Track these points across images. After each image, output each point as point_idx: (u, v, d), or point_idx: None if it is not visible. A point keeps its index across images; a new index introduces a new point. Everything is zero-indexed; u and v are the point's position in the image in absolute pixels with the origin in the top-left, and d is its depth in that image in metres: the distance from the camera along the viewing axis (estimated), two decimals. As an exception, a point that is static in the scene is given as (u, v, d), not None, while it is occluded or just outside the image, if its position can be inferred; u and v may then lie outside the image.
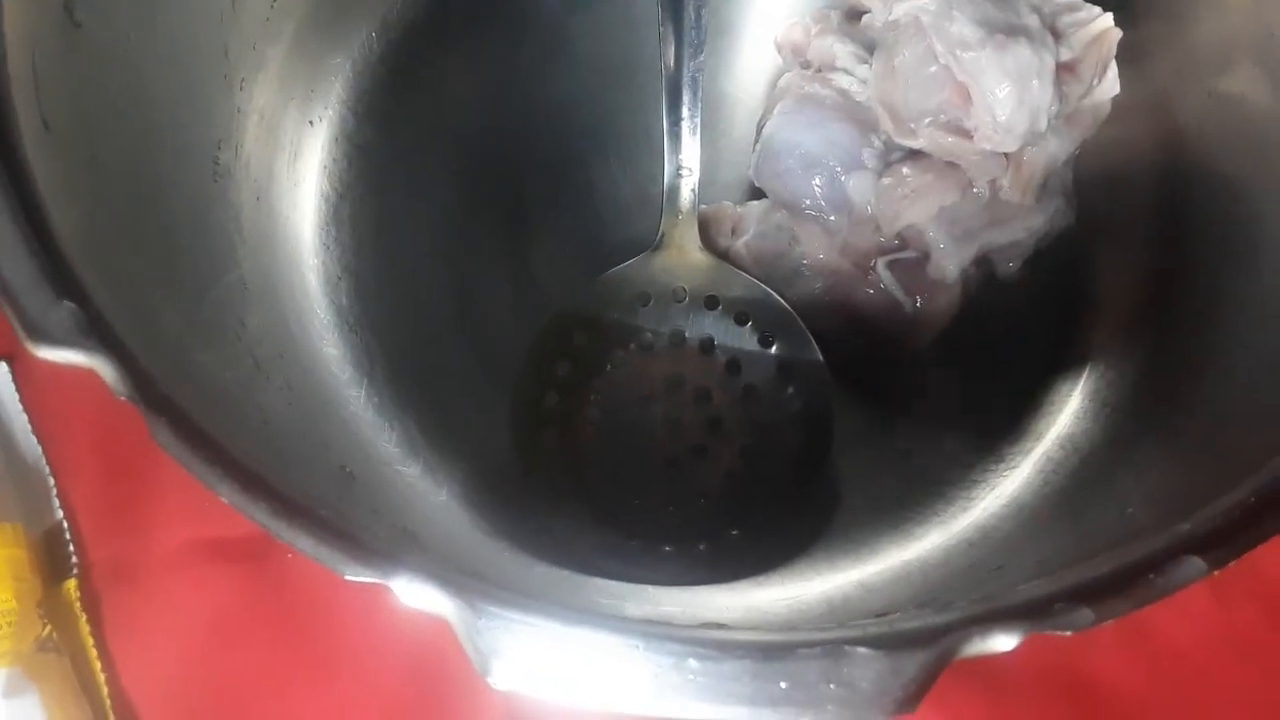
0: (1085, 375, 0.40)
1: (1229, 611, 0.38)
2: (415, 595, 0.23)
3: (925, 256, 0.40)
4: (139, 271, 0.31)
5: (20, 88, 0.27)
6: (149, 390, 0.24)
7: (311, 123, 0.43)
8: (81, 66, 0.30)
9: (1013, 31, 0.38)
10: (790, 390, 0.40)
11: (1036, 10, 0.39)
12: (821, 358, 0.40)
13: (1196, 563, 0.22)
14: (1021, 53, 0.37)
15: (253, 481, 0.24)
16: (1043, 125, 0.38)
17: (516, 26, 0.45)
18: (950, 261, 0.40)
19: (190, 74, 0.36)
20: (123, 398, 0.24)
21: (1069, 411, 0.40)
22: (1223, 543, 0.23)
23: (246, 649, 0.39)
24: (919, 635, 0.22)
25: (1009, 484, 0.40)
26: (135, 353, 0.25)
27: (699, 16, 0.39)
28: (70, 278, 0.25)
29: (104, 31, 0.31)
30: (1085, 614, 0.22)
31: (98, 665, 0.39)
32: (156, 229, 0.33)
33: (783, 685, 0.22)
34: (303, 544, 0.23)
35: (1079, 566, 0.23)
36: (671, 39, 0.39)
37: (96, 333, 0.24)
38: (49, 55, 0.28)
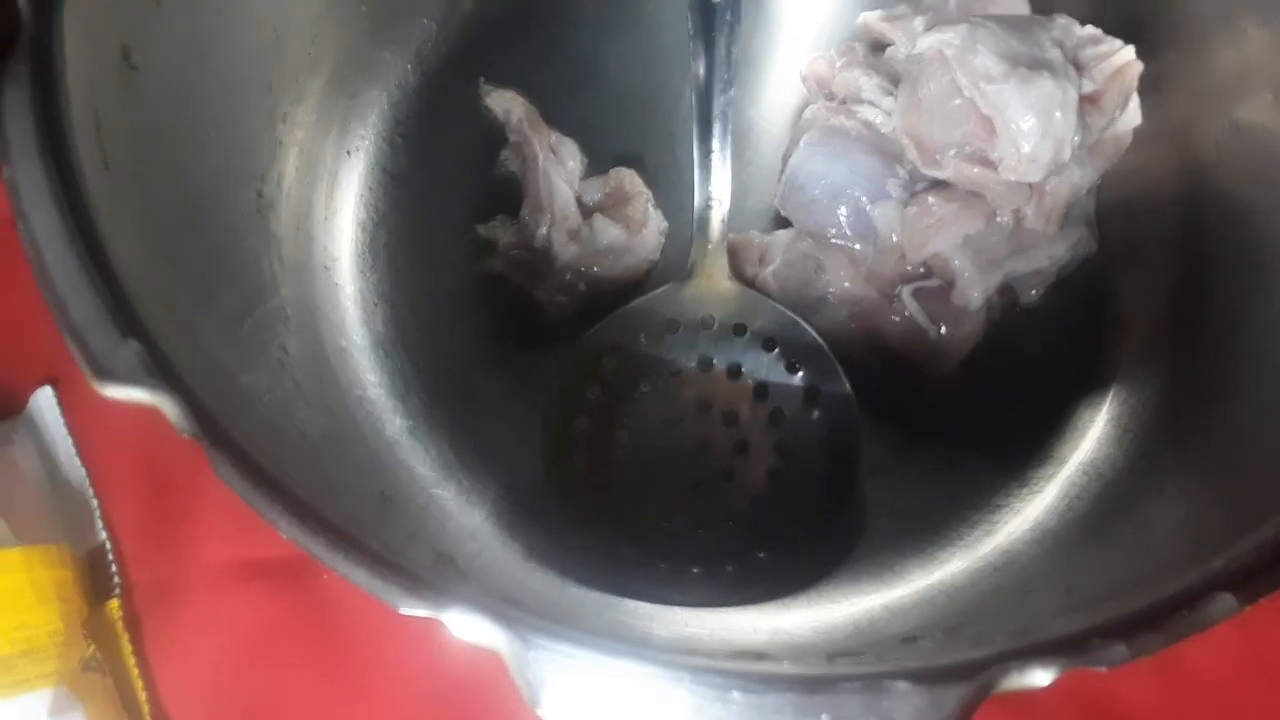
0: (1108, 401, 0.41)
1: (1253, 637, 0.39)
2: (467, 628, 0.23)
3: (950, 284, 0.41)
4: (188, 304, 0.32)
5: (82, 130, 0.28)
6: (211, 427, 0.25)
7: (349, 153, 0.44)
8: (138, 107, 0.31)
9: (1036, 65, 0.38)
10: (817, 415, 0.41)
11: (1059, 44, 0.40)
12: (848, 384, 0.40)
13: (1228, 599, 0.23)
14: (1045, 85, 0.38)
15: (311, 515, 0.24)
16: (1066, 156, 0.39)
17: (548, 58, 0.46)
18: (975, 289, 0.40)
19: (237, 109, 0.37)
20: (185, 435, 0.25)
21: (1092, 437, 0.41)
22: (1254, 579, 0.23)
23: (285, 669, 0.40)
24: (957, 670, 0.23)
25: (1032, 508, 0.40)
26: (195, 389, 0.26)
27: (729, 51, 0.40)
28: (133, 315, 0.26)
29: (159, 73, 0.32)
30: (1120, 650, 0.22)
31: (139, 684, 0.40)
32: (203, 260, 0.34)
33: (824, 718, 0.22)
34: (359, 577, 0.24)
35: (1112, 601, 0.24)
36: (703, 73, 0.40)
37: (161, 371, 0.25)
38: (108, 97, 0.30)
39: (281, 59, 0.39)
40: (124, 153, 0.30)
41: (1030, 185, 0.40)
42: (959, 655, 0.23)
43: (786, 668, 0.23)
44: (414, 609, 0.24)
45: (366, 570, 0.24)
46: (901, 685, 0.22)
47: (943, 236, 0.41)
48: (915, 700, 0.22)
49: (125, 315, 0.26)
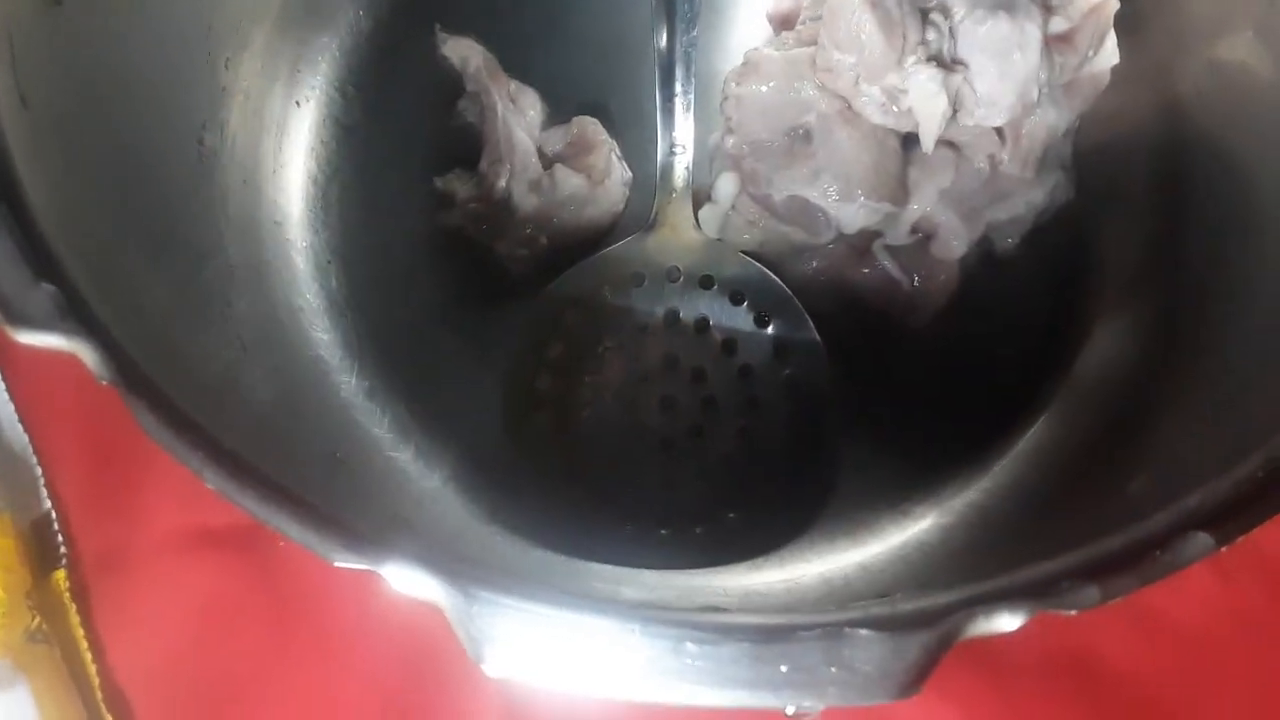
0: (1085, 351, 0.40)
1: (1231, 589, 0.38)
2: (406, 581, 0.22)
3: (929, 236, 0.40)
4: (122, 254, 0.30)
5: (-4, 64, 0.26)
6: (131, 374, 0.23)
7: (298, 103, 0.42)
8: (61, 44, 0.30)
9: (996, 5, 0.37)
10: (787, 371, 0.39)
11: (1029, -17, 0.38)
12: (818, 337, 0.39)
13: (1204, 538, 0.21)
14: (1000, 27, 0.37)
15: (239, 467, 0.23)
16: (1033, 96, 0.37)
17: (506, 3, 0.45)
18: (960, 240, 0.39)
19: (173, 53, 0.36)
20: (104, 382, 0.23)
21: (1069, 388, 0.40)
22: (1230, 518, 0.22)
23: (238, 636, 0.39)
24: (921, 616, 0.21)
25: (1009, 462, 0.39)
26: (117, 336, 0.24)
27: (692, -11, 0.38)
28: (49, 258, 0.25)
29: (85, 10, 0.30)
30: (1091, 592, 0.21)
31: (88, 656, 0.38)
32: (140, 210, 0.33)
33: (783, 669, 0.21)
34: (290, 530, 0.23)
35: (1084, 545, 0.23)
36: (664, 13, 0.39)
37: (77, 315, 0.24)
38: (27, 32, 0.28)
39: (222, 0, 0.37)
40: (45, 91, 0.28)
41: (1001, 131, 0.39)
42: (924, 602, 0.22)
43: (742, 618, 0.22)
44: (349, 562, 0.22)
45: (298, 522, 0.23)
46: (863, 633, 0.21)
47: (920, 194, 0.39)
48: (878, 648, 0.21)
49: (40, 257, 0.24)
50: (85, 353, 0.23)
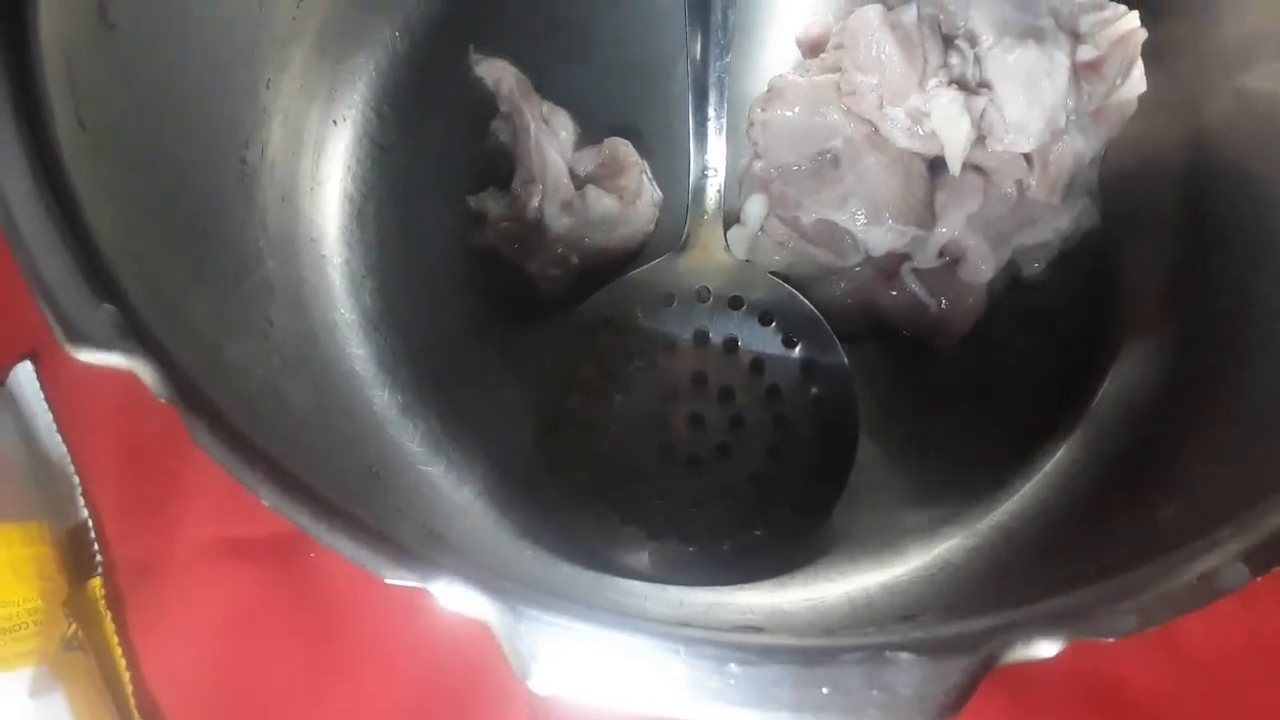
0: (1111, 377, 0.40)
1: (1254, 616, 0.38)
2: (455, 598, 0.23)
3: (957, 260, 0.40)
4: (169, 271, 0.31)
5: (57, 88, 0.27)
6: (189, 392, 0.24)
7: (335, 122, 0.43)
8: (115, 67, 0.30)
9: (1024, 33, 0.38)
10: (814, 391, 0.40)
11: (1054, 12, 0.39)
12: (845, 359, 0.40)
13: (1239, 568, 0.22)
14: (1029, 54, 0.37)
15: (294, 484, 0.24)
16: (1061, 122, 0.38)
17: (540, 25, 0.45)
18: (987, 264, 0.40)
19: (219, 74, 0.36)
20: (163, 400, 0.24)
21: (1095, 413, 0.40)
22: (1265, 548, 0.23)
23: (270, 647, 0.39)
24: (961, 641, 0.22)
25: (1033, 485, 0.39)
26: (174, 355, 0.25)
27: (725, 16, 0.39)
28: (108, 279, 0.25)
29: (136, 32, 0.31)
30: (1129, 620, 0.21)
31: (122, 664, 0.39)
32: (184, 228, 0.33)
33: (824, 691, 0.22)
34: (344, 547, 0.23)
35: (1120, 572, 0.23)
36: (698, 38, 0.39)
37: (136, 334, 0.24)
38: (83, 56, 0.29)
39: (266, 22, 0.38)
40: (101, 114, 0.29)
41: (1028, 156, 0.39)
42: (963, 626, 0.22)
43: (785, 639, 0.22)
44: (400, 579, 0.23)
45: (352, 540, 0.23)
46: (904, 656, 0.21)
47: (948, 218, 0.40)
48: (918, 672, 0.21)
49: (100, 278, 0.25)
50: (145, 372, 0.24)
